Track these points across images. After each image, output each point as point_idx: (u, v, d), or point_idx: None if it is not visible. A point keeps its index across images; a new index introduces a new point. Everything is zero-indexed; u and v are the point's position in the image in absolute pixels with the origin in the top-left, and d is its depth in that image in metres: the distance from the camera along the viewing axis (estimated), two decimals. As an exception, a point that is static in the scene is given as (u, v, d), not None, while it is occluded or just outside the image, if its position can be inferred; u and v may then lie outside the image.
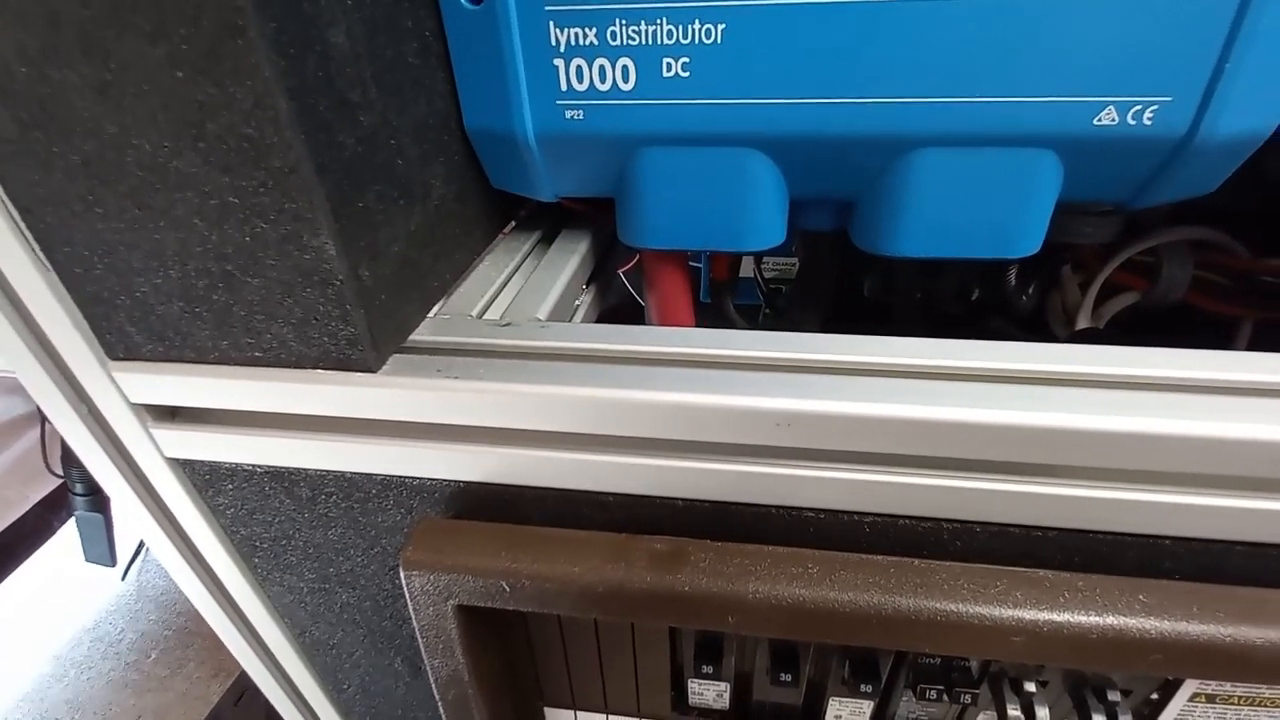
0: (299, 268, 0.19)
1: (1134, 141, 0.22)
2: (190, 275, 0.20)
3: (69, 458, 0.83)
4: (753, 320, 0.43)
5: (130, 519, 0.28)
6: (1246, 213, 0.32)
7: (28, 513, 0.91)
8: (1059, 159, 0.23)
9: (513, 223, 0.34)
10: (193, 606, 0.32)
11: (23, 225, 0.20)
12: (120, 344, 0.22)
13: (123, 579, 1.26)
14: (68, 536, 0.94)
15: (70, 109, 0.17)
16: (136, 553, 1.26)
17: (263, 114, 0.17)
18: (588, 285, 0.34)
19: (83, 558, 0.93)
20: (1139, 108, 0.21)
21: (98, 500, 0.89)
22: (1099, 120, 0.21)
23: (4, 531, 0.90)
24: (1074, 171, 0.23)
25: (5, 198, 0.20)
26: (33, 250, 0.21)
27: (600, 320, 0.36)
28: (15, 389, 0.80)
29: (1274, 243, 0.31)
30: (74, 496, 0.87)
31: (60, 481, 0.87)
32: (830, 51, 0.21)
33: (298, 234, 0.19)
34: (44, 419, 0.83)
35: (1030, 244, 0.25)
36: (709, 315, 0.38)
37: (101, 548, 0.92)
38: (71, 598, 1.24)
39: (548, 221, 0.35)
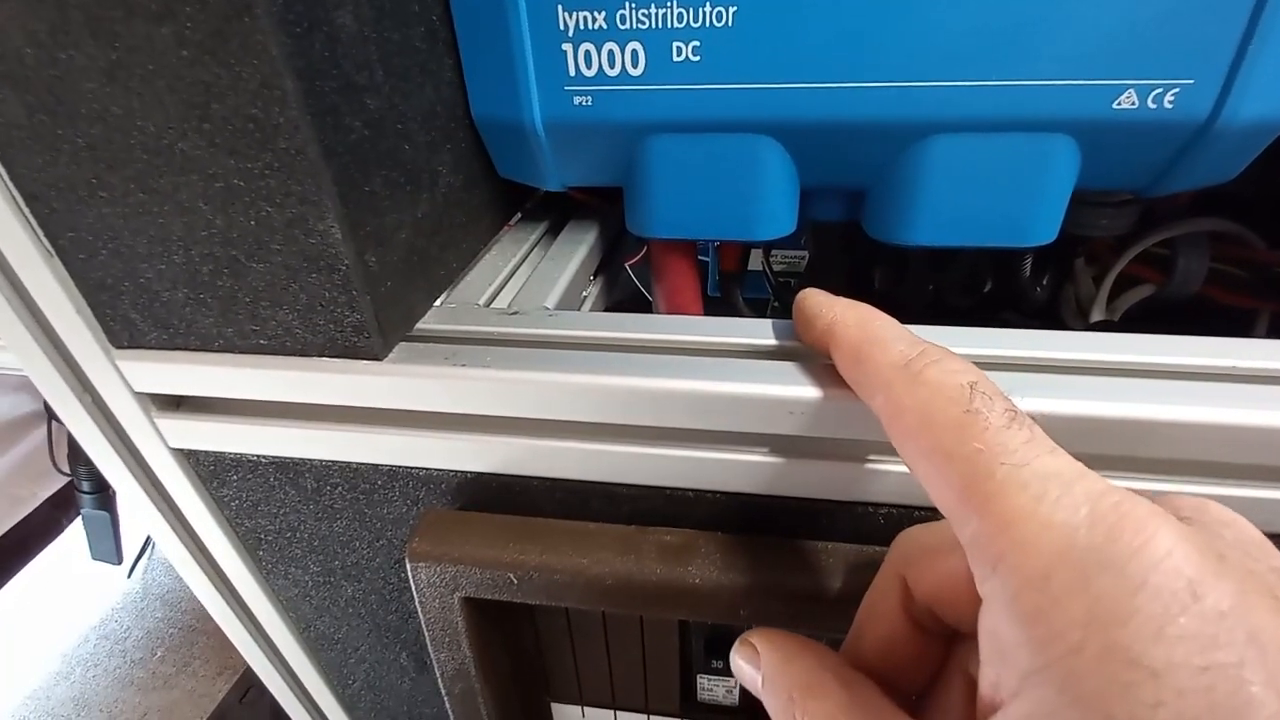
0: (305, 253, 0.19)
1: (1154, 126, 0.21)
2: (195, 261, 0.20)
3: (76, 455, 0.84)
4: (761, 314, 0.42)
5: (135, 511, 0.28)
6: (1264, 203, 0.32)
7: (36, 510, 0.91)
8: (1076, 145, 0.22)
9: (519, 214, 0.34)
10: (199, 604, 0.32)
11: (27, 211, 0.20)
12: (125, 332, 0.22)
13: (128, 576, 1.27)
14: (75, 535, 0.94)
15: (77, 92, 0.17)
16: (142, 551, 1.26)
17: (269, 95, 0.16)
18: (594, 277, 0.34)
19: (89, 555, 0.93)
20: (1159, 91, 0.21)
21: (104, 498, 0.89)
22: (1118, 104, 0.21)
23: (13, 529, 0.90)
24: (1091, 158, 0.23)
25: (10, 183, 0.20)
26: (37, 237, 0.20)
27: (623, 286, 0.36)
28: (21, 387, 0.80)
29: (1293, 234, 0.31)
30: (81, 494, 0.87)
31: (69, 480, 0.88)
32: (843, 35, 0.21)
33: (304, 218, 0.19)
34: (50, 417, 0.83)
35: (1046, 233, 0.24)
36: (717, 308, 0.38)
37: (108, 545, 0.92)
38: (78, 595, 1.25)
39: (554, 213, 0.35)
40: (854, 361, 0.17)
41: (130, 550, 1.09)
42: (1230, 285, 0.32)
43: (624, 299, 0.40)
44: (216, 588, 0.30)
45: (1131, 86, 0.21)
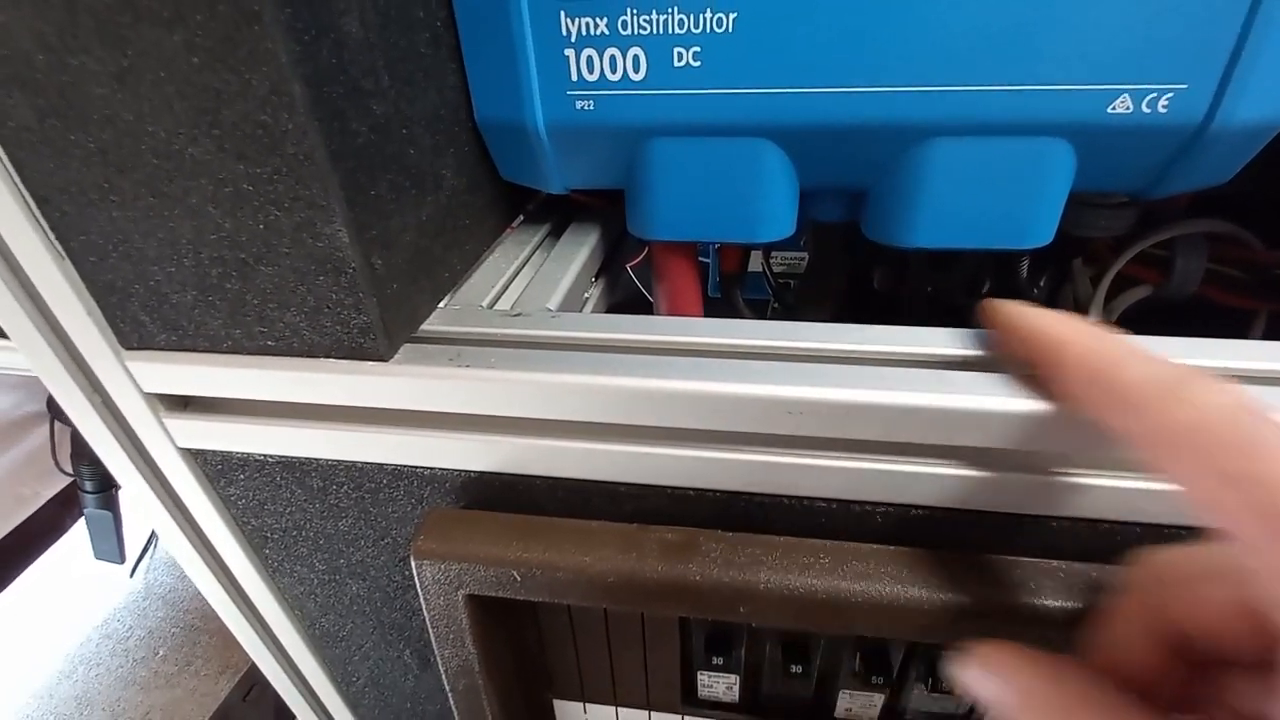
0: (312, 256, 0.20)
1: (1148, 130, 0.21)
2: (204, 263, 0.20)
3: (79, 455, 0.84)
4: (761, 315, 0.43)
5: (142, 510, 0.28)
6: (1262, 204, 0.32)
7: (40, 509, 0.92)
8: (1072, 148, 0.23)
9: (521, 216, 0.34)
10: (201, 604, 0.32)
11: (39, 214, 0.20)
12: (134, 333, 0.23)
13: (131, 576, 1.27)
14: (78, 535, 0.95)
15: (88, 97, 0.18)
16: (144, 550, 1.26)
17: (278, 100, 0.17)
18: (596, 278, 0.34)
19: (92, 555, 0.94)
20: (1154, 95, 0.21)
21: (107, 497, 0.89)
22: (1113, 108, 0.21)
23: (17, 528, 0.90)
24: (1088, 161, 0.23)
25: (22, 187, 0.20)
26: (48, 239, 0.21)
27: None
28: (22, 385, 0.80)
29: (1289, 235, 0.31)
30: (84, 494, 0.88)
31: (73, 479, 0.88)
32: (841, 40, 0.21)
33: (311, 222, 0.19)
34: (53, 417, 0.83)
35: (1043, 235, 0.25)
36: (718, 309, 0.38)
37: (110, 544, 0.93)
38: (80, 595, 1.25)
39: (557, 215, 0.35)
40: (1093, 381, 0.16)
41: (132, 550, 1.09)
42: (1228, 286, 0.33)
43: (625, 300, 0.41)
44: (223, 585, 0.31)
45: (1126, 91, 0.21)
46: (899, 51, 0.21)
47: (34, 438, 0.86)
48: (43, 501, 0.92)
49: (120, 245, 0.20)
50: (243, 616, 0.32)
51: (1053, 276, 0.35)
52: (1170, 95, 0.21)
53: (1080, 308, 0.36)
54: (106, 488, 0.88)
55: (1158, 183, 0.24)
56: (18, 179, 0.20)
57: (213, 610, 0.32)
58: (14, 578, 0.97)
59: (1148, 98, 0.21)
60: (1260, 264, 0.32)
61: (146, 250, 0.20)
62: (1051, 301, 0.36)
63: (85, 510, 0.90)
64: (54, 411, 0.82)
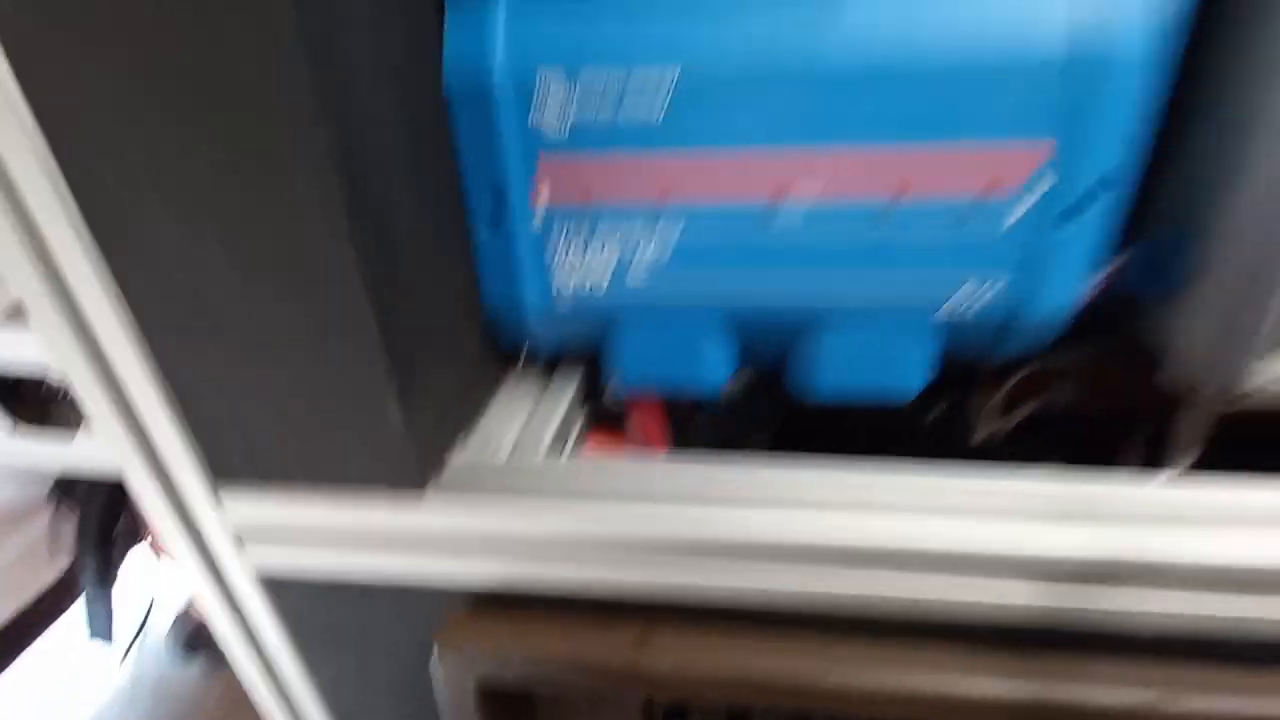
0: (363, 409, 0.26)
1: (978, 318, 0.30)
2: (280, 410, 0.27)
3: (84, 537, 0.85)
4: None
5: (200, 610, 0.33)
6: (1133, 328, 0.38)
7: (38, 598, 0.92)
8: (928, 331, 0.30)
9: (521, 361, 0.41)
10: (188, 693, 0.35)
11: (164, 379, 0.27)
12: (222, 465, 0.29)
13: (120, 663, 1.25)
14: (67, 626, 0.94)
15: (222, 315, 0.25)
16: (134, 640, 1.24)
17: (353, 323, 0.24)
18: (585, 402, 0.41)
19: (87, 633, 0.93)
20: (981, 290, 0.29)
21: (106, 580, 0.90)
22: (954, 303, 0.29)
23: (17, 615, 0.91)
24: (941, 340, 0.31)
25: (156, 363, 0.27)
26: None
27: (603, 417, 0.42)
28: (14, 476, 0.81)
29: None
30: (83, 576, 0.88)
31: (64, 571, 0.89)
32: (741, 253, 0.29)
33: (366, 383, 0.26)
34: (57, 503, 0.84)
35: (914, 389, 0.32)
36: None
37: (104, 625, 0.92)
38: (69, 686, 1.22)
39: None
40: None
41: (127, 631, 1.08)
42: (1109, 398, 0.39)
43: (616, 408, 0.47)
44: (263, 680, 0.36)
45: (962, 287, 0.29)
46: (789, 257, 0.29)
47: (36, 525, 0.87)
48: (42, 588, 0.92)
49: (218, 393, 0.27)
50: (279, 711, 0.37)
51: (956, 396, 0.43)
52: (995, 289, 0.29)
53: (985, 417, 0.43)
54: (105, 570, 0.88)
55: (994, 351, 0.31)
56: (149, 353, 0.26)
57: (203, 701, 0.35)
58: (9, 664, 0.96)
59: (976, 293, 0.29)
60: (1134, 382, 0.39)
61: (239, 401, 0.27)
62: (953, 418, 0.43)
63: (84, 591, 0.90)
64: (57, 496, 0.83)
